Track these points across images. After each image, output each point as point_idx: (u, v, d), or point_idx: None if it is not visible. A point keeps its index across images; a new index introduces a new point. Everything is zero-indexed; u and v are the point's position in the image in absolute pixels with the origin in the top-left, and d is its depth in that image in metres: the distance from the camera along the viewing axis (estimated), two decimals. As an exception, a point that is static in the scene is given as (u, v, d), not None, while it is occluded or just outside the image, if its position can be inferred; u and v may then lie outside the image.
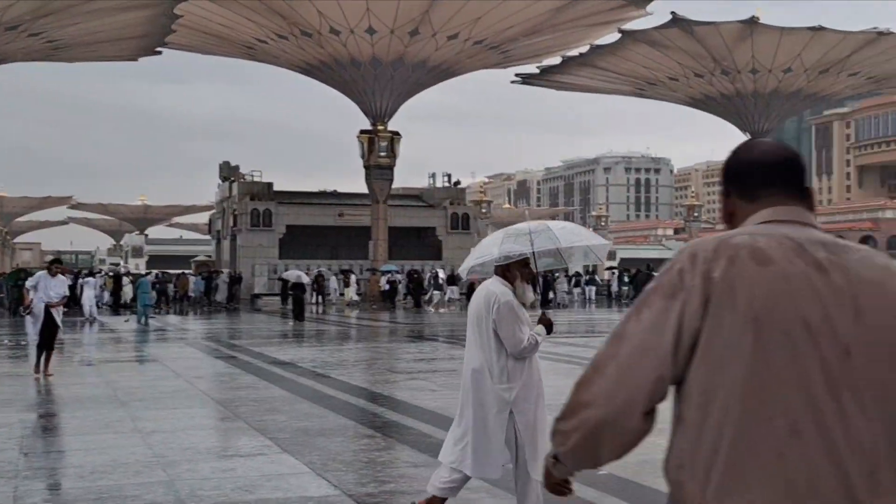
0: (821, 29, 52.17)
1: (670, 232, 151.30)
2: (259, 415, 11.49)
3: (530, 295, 6.38)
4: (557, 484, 2.31)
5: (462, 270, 7.10)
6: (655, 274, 2.18)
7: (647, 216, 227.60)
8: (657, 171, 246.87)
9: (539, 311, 6.79)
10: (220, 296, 47.25)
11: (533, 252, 6.37)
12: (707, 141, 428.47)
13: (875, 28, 52.98)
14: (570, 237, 7.09)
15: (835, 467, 1.91)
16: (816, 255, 1.99)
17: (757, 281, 1.96)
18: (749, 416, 1.93)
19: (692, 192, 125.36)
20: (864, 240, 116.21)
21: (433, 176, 65.35)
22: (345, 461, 8.73)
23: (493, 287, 6.13)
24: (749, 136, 59.62)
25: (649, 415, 2.02)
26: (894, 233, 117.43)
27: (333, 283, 49.20)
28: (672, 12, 51.18)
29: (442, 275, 47.06)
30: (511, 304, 5.99)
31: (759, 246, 2.00)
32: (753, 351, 1.93)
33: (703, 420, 1.96)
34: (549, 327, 6.26)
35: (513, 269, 6.18)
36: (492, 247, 6.53)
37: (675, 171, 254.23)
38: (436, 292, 45.81)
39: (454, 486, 6.17)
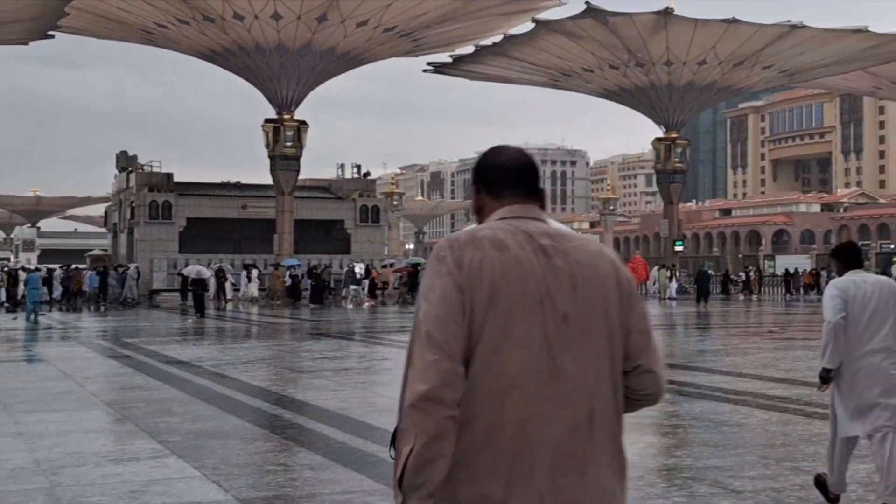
0: (735, 21, 53.18)
1: (586, 225, 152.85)
2: (151, 417, 11.37)
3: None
4: None
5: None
6: None
7: (563, 209, 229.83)
8: (573, 163, 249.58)
9: None
10: (130, 292, 46.50)
11: None
12: (623, 133, 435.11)
13: (788, 21, 54.07)
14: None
15: (547, 418, 2.47)
16: (542, 242, 2.57)
17: (496, 263, 2.50)
18: (483, 371, 2.46)
19: (608, 185, 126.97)
20: (779, 233, 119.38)
21: (342, 167, 65.15)
22: (238, 465, 8.71)
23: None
24: (664, 129, 60.93)
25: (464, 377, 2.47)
26: (808, 227, 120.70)
27: (243, 278, 48.64)
28: (586, 2, 51.57)
29: (359, 270, 47.00)
30: None
31: (499, 237, 2.55)
32: (493, 318, 2.47)
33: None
34: None
35: None
36: None
37: (592, 163, 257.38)
38: (353, 287, 45.72)
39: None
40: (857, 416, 6.81)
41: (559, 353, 2.50)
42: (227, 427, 10.76)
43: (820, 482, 7.17)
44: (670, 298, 51.98)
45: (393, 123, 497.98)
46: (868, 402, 6.78)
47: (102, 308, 42.49)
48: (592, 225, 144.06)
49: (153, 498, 7.39)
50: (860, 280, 6.93)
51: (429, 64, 61.72)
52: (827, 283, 46.94)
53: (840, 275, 7.16)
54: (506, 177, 2.69)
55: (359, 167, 62.76)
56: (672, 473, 8.33)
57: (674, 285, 54.09)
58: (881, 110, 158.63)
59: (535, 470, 2.45)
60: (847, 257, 7.16)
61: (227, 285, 46.11)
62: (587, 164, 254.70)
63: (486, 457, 2.45)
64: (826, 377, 6.94)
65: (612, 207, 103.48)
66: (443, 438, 2.40)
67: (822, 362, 6.93)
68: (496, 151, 2.75)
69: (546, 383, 2.48)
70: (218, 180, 64.03)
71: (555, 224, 2.70)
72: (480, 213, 2.73)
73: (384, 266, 54.21)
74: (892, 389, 6.81)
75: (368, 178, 63.91)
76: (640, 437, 10.16)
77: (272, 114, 52.80)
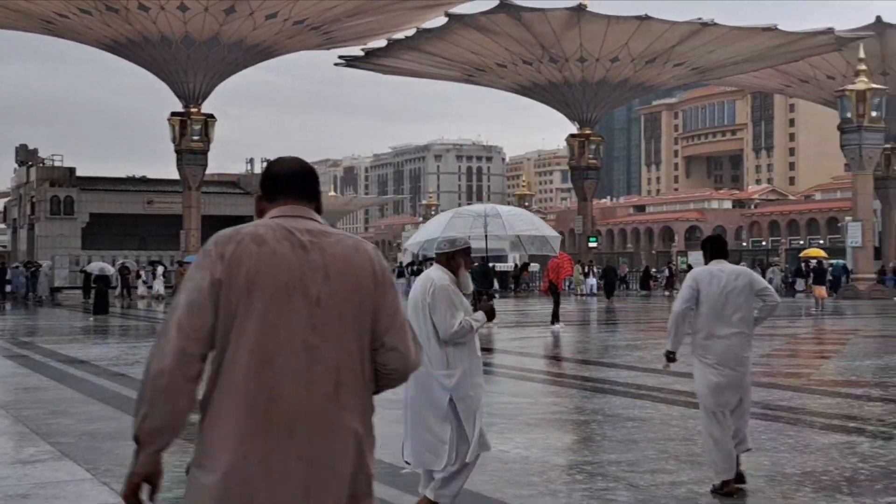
0: (647, 18, 53.90)
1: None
2: (44, 418, 11.17)
3: (470, 284, 6.62)
4: (133, 491, 2.88)
5: (409, 245, 7.33)
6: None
7: (479, 203, 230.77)
8: (489, 159, 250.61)
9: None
10: (42, 290, 45.60)
11: (486, 235, 6.59)
12: (539, 130, 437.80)
13: (699, 18, 55.09)
14: (521, 225, 7.45)
15: (300, 389, 2.89)
16: (301, 238, 2.98)
17: (253, 256, 2.93)
18: (242, 349, 2.87)
19: (524, 180, 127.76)
20: (692, 230, 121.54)
21: (251, 161, 64.76)
22: (132, 465, 8.59)
23: (433, 273, 6.33)
24: (578, 125, 61.55)
25: (204, 359, 2.91)
26: (720, 223, 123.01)
27: (149, 275, 48.05)
28: (499, -3, 52.04)
29: None
30: (446, 290, 6.17)
31: (259, 233, 2.98)
32: (250, 303, 2.89)
33: (222, 356, 2.90)
34: (490, 314, 6.47)
35: (457, 258, 6.37)
36: (437, 228, 6.71)
37: (507, 159, 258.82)
38: None
39: (430, 483, 6.35)
40: (716, 392, 7.54)
41: (311, 333, 2.93)
42: (124, 428, 10.57)
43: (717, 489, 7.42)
44: (585, 294, 52.62)
45: (306, 118, 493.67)
46: (722, 382, 7.52)
47: (7, 307, 41.47)
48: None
49: (41, 502, 7.27)
50: (717, 270, 7.66)
51: (340, 57, 61.53)
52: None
53: (706, 264, 7.89)
54: (279, 183, 3.13)
55: (268, 161, 62.34)
56: (574, 469, 8.46)
57: (591, 281, 54.76)
58: (791, 108, 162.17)
59: (293, 433, 2.87)
60: (711, 248, 7.91)
61: (140, 282, 45.55)
62: (503, 159, 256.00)
63: (249, 422, 2.85)
64: (669, 357, 7.97)
65: (527, 203, 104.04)
66: (172, 411, 2.85)
67: (666, 344, 7.96)
68: (275, 162, 3.24)
69: (299, 359, 2.90)
70: (123, 175, 63.15)
71: (321, 224, 3.09)
72: (261, 216, 3.13)
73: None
74: (744, 371, 7.63)
75: (278, 172, 63.44)
76: (546, 432, 10.31)
77: (179, 107, 52.13)
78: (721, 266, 7.76)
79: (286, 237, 2.98)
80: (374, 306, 3.05)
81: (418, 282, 6.43)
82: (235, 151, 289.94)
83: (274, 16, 49.67)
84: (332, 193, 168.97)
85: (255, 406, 2.87)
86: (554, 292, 27.10)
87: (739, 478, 7.47)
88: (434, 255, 6.81)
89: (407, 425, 6.34)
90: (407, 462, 6.43)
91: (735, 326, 7.61)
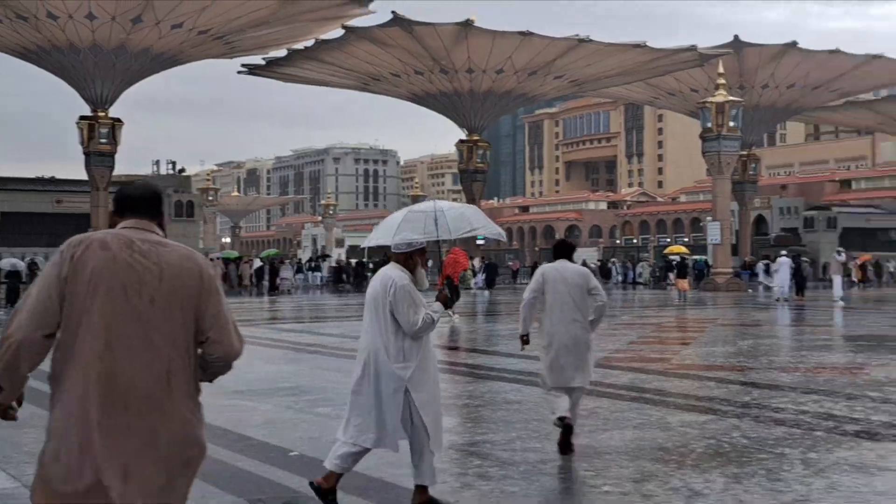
0: (529, 34, 54.45)
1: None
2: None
3: (426, 281, 6.70)
4: (4, 411, 3.54)
5: (368, 243, 7.64)
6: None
7: (375, 205, 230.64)
8: (385, 162, 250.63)
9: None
10: None
11: (437, 230, 6.94)
12: (431, 136, 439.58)
13: (577, 35, 55.84)
14: (471, 219, 7.68)
15: (135, 372, 3.31)
16: (142, 247, 3.41)
17: (98, 260, 3.34)
18: (87, 335, 3.31)
19: (417, 182, 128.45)
20: (571, 228, 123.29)
21: (157, 163, 63.56)
22: (30, 452, 8.34)
23: (391, 272, 6.32)
24: (467, 132, 61.78)
25: (49, 337, 3.35)
26: (596, 223, 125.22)
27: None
28: (393, 11, 51.90)
29: None
30: (407, 288, 6.21)
31: (106, 240, 3.41)
32: (93, 299, 3.31)
33: (71, 340, 3.33)
34: (445, 304, 6.52)
35: (414, 257, 6.44)
36: (392, 228, 6.93)
37: (402, 162, 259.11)
38: None
39: (353, 460, 6.36)
40: (555, 371, 8.26)
41: (145, 326, 3.35)
42: (21, 414, 10.27)
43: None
44: (473, 288, 52.91)
45: (211, 122, 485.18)
46: (565, 363, 8.22)
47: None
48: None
49: (-62, 489, 7.02)
50: (561, 267, 8.42)
51: (243, 66, 60.72)
52: (614, 272, 47.92)
53: (552, 262, 8.68)
54: (127, 202, 3.56)
55: (174, 164, 61.43)
56: (452, 448, 8.48)
57: (480, 276, 55.04)
58: (660, 118, 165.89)
59: (128, 407, 3.28)
60: (556, 250, 8.71)
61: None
62: (397, 163, 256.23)
63: (92, 395, 3.26)
64: (523, 340, 8.70)
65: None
66: (13, 369, 3.34)
67: (519, 329, 8.74)
68: (127, 185, 3.74)
69: (135, 347, 3.33)
70: (32, 175, 61.33)
71: (160, 236, 3.51)
72: (112, 227, 3.53)
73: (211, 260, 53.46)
74: (585, 354, 8.33)
75: (183, 174, 62.73)
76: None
77: (87, 111, 50.86)
78: (564, 265, 8.49)
79: (128, 245, 3.41)
80: (199, 306, 3.45)
81: (376, 279, 6.44)
82: (144, 154, 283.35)
83: (179, 26, 48.74)
84: (235, 193, 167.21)
85: (97, 382, 3.27)
86: (451, 286, 27.13)
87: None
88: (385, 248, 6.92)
89: (357, 408, 6.31)
90: (346, 441, 6.37)
91: (574, 316, 8.28)
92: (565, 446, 8.11)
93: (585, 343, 8.35)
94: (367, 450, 6.36)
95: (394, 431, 6.23)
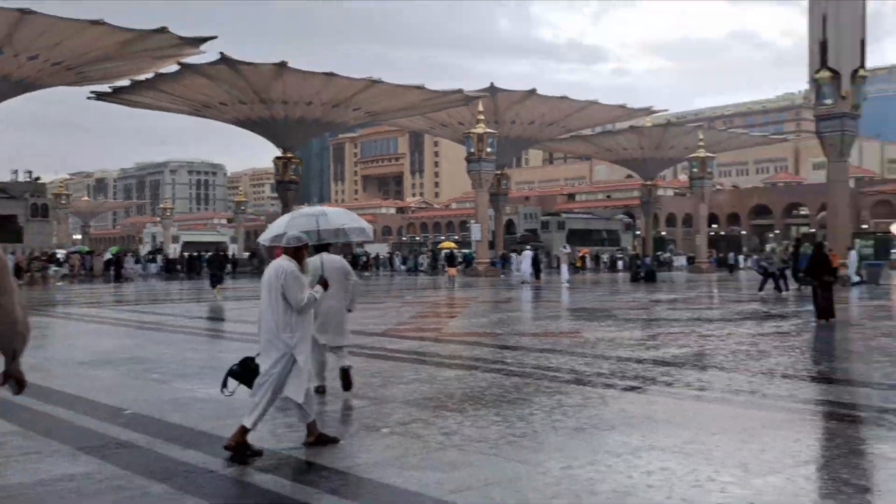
0: (333, 75, 54.23)
1: (224, 221, 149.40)
2: None
3: (309, 269, 6.98)
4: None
5: (261, 240, 7.76)
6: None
7: (206, 208, 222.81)
8: (214, 174, 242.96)
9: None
10: None
11: (318, 230, 7.43)
12: (254, 152, 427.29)
13: (371, 77, 56.03)
14: (345, 219, 8.02)
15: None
16: None
17: None
18: None
19: (241, 191, 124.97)
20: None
21: (15, 172, 59.20)
22: None
23: (283, 263, 6.36)
24: (282, 150, 60.66)
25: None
26: (387, 224, 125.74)
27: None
28: (221, 52, 50.60)
29: (61, 254, 44.11)
30: (295, 274, 6.28)
31: None
32: None
33: None
34: (325, 286, 6.65)
35: (301, 251, 6.52)
36: (283, 227, 7.26)
37: (229, 174, 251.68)
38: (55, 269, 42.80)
39: (263, 414, 6.25)
40: (323, 333, 8.54)
41: None
42: None
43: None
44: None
45: (65, 138, 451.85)
46: (321, 334, 8.45)
47: None
48: (229, 220, 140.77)
49: None
50: (326, 257, 8.46)
51: (92, 92, 57.26)
52: (398, 262, 48.02)
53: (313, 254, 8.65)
54: None
55: (30, 172, 57.50)
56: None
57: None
58: (436, 143, 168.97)
59: None
60: (316, 245, 8.40)
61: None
62: (225, 174, 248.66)
63: None
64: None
65: (243, 208, 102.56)
66: None
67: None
68: None
69: None
70: None
71: None
72: None
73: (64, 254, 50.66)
74: (339, 327, 8.67)
75: (39, 181, 58.71)
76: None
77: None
78: (324, 256, 8.48)
79: None
80: None
81: (270, 269, 6.43)
82: (5, 165, 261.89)
83: (35, 57, 45.58)
84: (86, 198, 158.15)
85: None
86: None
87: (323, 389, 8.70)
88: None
89: (272, 372, 6.30)
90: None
91: (333, 298, 8.40)
92: (347, 384, 8.74)
93: (344, 318, 8.81)
94: (273, 401, 6.35)
95: (290, 383, 6.25)
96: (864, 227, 76.93)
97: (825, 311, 17.28)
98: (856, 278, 33.54)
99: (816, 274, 17.73)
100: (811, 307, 18.15)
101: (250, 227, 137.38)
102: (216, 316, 21.23)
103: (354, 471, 5.78)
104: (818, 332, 15.62)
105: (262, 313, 6.40)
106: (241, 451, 6.08)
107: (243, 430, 6.17)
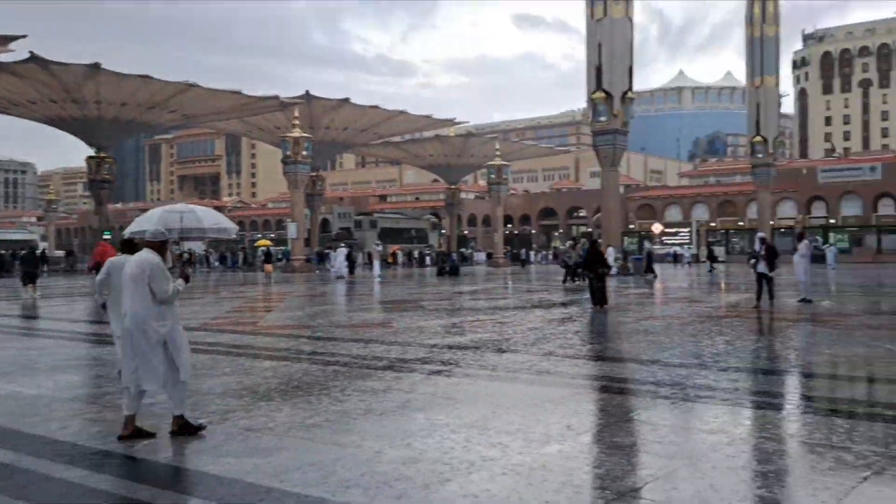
0: (147, 77, 51.37)
1: (34, 219, 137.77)
2: None
3: (171, 262, 6.70)
4: None
5: (127, 232, 7.46)
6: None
7: (16, 207, 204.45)
8: (24, 172, 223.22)
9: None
10: None
11: (181, 228, 7.23)
12: (66, 151, 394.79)
13: (186, 80, 53.54)
14: (210, 218, 7.76)
15: None
16: None
17: None
18: None
19: (52, 189, 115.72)
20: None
21: None
22: None
23: (146, 255, 6.22)
24: (96, 150, 56.67)
25: None
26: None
27: None
28: (30, 51, 46.69)
29: None
30: (161, 267, 6.16)
31: None
32: None
33: None
34: (186, 280, 6.43)
35: (165, 245, 6.38)
36: (150, 221, 6.99)
37: (40, 172, 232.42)
38: None
39: (138, 402, 6.14)
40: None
41: None
42: None
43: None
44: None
45: None
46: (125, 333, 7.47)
47: None
48: (39, 219, 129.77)
49: None
50: (127, 259, 7.93)
51: None
52: (211, 258, 46.59)
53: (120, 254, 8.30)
54: None
55: None
56: (76, 400, 7.86)
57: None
58: (253, 146, 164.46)
59: None
60: (123, 246, 8.07)
61: None
62: (35, 173, 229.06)
63: None
64: (103, 307, 8.44)
65: (55, 207, 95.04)
66: None
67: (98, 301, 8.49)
68: None
69: None
70: None
71: None
72: None
73: None
74: (143, 325, 7.65)
75: None
76: (62, 376, 9.35)
77: None
78: (128, 258, 7.87)
79: None
80: None
81: (134, 261, 6.26)
82: None
83: None
84: None
85: None
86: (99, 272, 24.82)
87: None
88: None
89: (127, 358, 6.14)
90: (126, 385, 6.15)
91: (134, 298, 7.41)
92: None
93: (145, 318, 8.20)
94: (143, 392, 6.20)
95: (159, 373, 6.07)
96: (631, 226, 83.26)
97: (600, 298, 18.55)
98: (615, 271, 36.16)
99: (592, 267, 18.99)
100: (588, 296, 19.39)
101: (62, 224, 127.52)
102: (29, 314, 19.49)
103: (172, 461, 5.53)
104: (594, 316, 16.70)
105: (129, 305, 6.19)
106: (136, 436, 6.03)
107: (177, 419, 6.16)
